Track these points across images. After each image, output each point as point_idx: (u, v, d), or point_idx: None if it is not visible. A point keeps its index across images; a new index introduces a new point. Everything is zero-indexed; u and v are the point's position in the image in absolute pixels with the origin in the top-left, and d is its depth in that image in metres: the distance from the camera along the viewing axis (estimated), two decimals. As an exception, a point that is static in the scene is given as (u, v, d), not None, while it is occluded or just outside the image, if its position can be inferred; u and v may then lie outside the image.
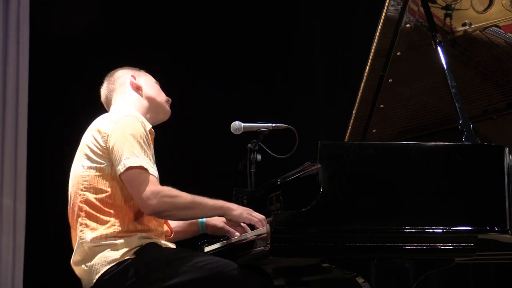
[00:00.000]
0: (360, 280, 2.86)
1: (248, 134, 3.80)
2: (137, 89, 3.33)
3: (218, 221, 3.39)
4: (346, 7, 6.07)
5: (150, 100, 3.33)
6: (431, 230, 2.82)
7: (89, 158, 3.11)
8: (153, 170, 3.04)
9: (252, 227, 3.13)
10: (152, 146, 3.15)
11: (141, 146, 3.04)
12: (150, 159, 3.06)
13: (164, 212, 3.05)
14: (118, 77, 3.37)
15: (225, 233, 3.39)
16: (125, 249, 3.00)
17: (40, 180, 5.57)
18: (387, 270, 2.84)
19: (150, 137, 3.14)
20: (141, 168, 3.00)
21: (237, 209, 3.11)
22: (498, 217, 2.85)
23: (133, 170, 3.00)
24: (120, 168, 3.01)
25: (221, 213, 3.14)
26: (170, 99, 3.43)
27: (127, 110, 3.21)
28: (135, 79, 3.35)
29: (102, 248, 3.02)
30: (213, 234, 3.47)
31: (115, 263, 2.99)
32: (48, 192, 5.40)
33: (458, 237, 2.85)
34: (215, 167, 5.75)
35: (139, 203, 3.02)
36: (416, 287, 2.86)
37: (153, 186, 3.00)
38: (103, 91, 3.39)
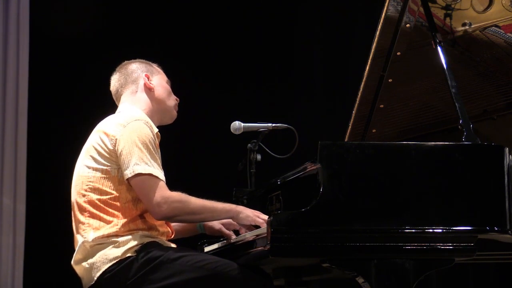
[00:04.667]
0: (360, 280, 2.86)
1: (248, 134, 3.80)
2: (149, 90, 3.30)
3: (215, 223, 3.40)
4: (346, 7, 6.07)
5: (160, 103, 3.31)
6: (431, 230, 2.81)
7: (94, 159, 3.10)
8: (161, 175, 3.05)
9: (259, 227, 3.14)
10: (158, 150, 3.15)
11: (150, 152, 3.05)
12: (159, 164, 3.07)
13: (174, 217, 3.07)
14: (132, 72, 3.32)
15: (222, 234, 3.41)
16: (126, 247, 3.01)
17: (40, 180, 5.56)
18: (387, 270, 2.84)
19: (156, 141, 3.14)
20: (150, 175, 3.01)
21: (245, 212, 3.14)
22: (498, 217, 2.85)
23: (143, 176, 3.01)
24: (128, 173, 3.01)
25: (229, 216, 3.17)
26: (178, 99, 3.41)
27: (135, 113, 3.19)
28: (148, 79, 3.31)
29: (104, 246, 3.03)
30: (211, 235, 3.48)
31: (117, 260, 3.00)
32: (48, 192, 5.40)
33: (458, 237, 2.85)
34: (215, 167, 5.75)
35: (149, 209, 3.04)
36: (416, 287, 2.86)
37: (163, 191, 3.01)
38: (114, 82, 3.34)
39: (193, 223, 3.38)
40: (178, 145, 5.61)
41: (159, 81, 3.34)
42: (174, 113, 3.38)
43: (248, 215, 3.13)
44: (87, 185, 3.10)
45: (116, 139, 3.06)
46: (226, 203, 3.15)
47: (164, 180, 3.05)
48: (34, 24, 5.65)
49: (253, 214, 3.13)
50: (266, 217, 3.12)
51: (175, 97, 3.40)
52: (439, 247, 2.85)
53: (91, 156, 3.12)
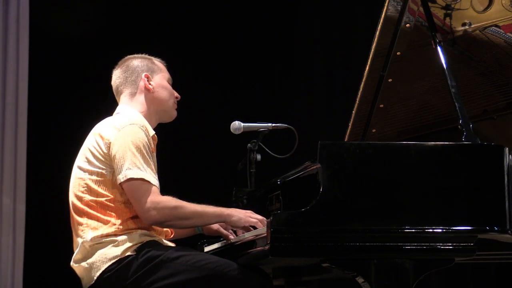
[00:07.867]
0: (360, 280, 2.86)
1: (248, 134, 3.80)
2: (148, 91, 3.27)
3: None
4: (345, 7, 6.07)
5: (159, 103, 3.29)
6: (431, 230, 2.81)
7: (90, 162, 3.11)
8: (154, 180, 3.04)
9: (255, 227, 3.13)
10: (154, 154, 3.15)
11: (143, 156, 3.04)
12: (152, 169, 3.07)
13: (165, 223, 3.07)
14: (132, 71, 3.29)
15: (220, 235, 3.40)
16: (126, 246, 3.01)
17: (40, 180, 5.56)
18: (387, 270, 2.83)
19: (153, 144, 3.14)
20: (142, 179, 3.01)
21: (236, 215, 3.11)
22: (498, 217, 2.84)
23: (134, 181, 3.01)
24: (121, 178, 3.02)
25: (221, 220, 3.16)
26: (179, 97, 3.39)
27: (132, 116, 3.18)
28: (148, 79, 3.29)
29: (103, 245, 3.03)
30: (209, 235, 3.48)
31: (116, 259, 3.00)
32: (47, 192, 5.40)
33: (458, 237, 2.84)
34: (215, 167, 5.76)
35: (139, 214, 3.04)
36: (416, 287, 2.86)
37: (153, 197, 3.01)
38: (115, 78, 3.32)
39: (184, 228, 3.37)
40: (178, 145, 5.62)
41: (160, 81, 3.32)
42: (174, 113, 3.36)
43: (240, 217, 3.11)
44: (83, 187, 3.10)
45: (110, 143, 3.07)
46: (218, 207, 3.13)
47: (157, 185, 3.05)
48: (34, 24, 5.65)
49: (245, 216, 3.11)
50: (258, 216, 3.12)
51: (176, 94, 3.38)
52: (439, 247, 2.84)
53: (86, 158, 3.12)
